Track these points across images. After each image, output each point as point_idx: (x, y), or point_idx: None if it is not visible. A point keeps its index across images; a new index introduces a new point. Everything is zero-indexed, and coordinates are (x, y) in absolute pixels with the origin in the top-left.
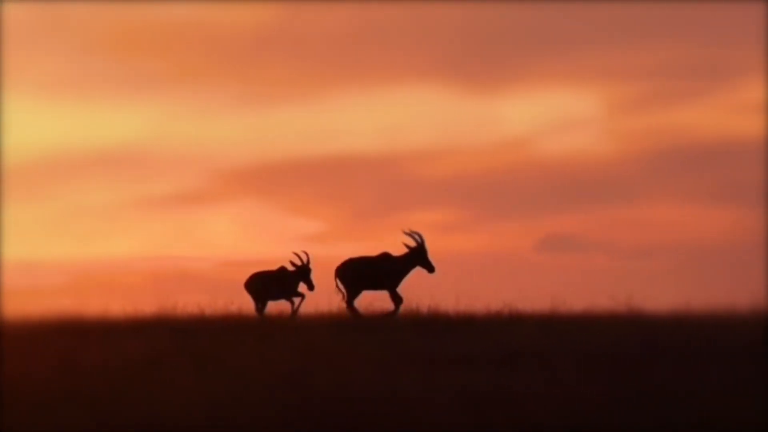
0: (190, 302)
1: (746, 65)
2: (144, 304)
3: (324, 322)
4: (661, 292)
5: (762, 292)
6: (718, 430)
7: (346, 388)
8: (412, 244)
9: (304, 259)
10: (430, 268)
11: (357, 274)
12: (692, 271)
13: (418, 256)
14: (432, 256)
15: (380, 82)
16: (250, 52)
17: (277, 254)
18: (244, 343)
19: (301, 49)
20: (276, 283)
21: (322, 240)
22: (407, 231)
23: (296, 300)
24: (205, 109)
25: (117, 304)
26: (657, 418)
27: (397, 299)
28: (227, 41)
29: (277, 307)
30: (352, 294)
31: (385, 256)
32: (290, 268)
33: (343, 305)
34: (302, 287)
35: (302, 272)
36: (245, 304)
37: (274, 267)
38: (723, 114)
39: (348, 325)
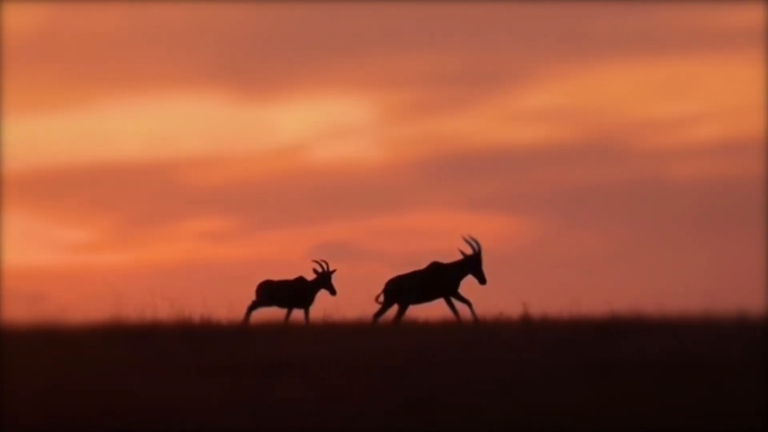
0: None
1: (519, 72)
2: None
3: (97, 332)
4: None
5: (534, 299)
6: None
7: (118, 396)
8: (468, 251)
9: (325, 267)
10: (482, 280)
11: (399, 291)
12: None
13: (472, 265)
14: (204, 265)
15: (152, 88)
16: (18, 57)
17: (46, 263)
18: (14, 352)
19: (70, 54)
20: (292, 292)
21: (93, 249)
22: (466, 237)
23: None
24: None
25: None
26: (425, 426)
27: (464, 301)
28: None
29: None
30: (386, 308)
31: (435, 266)
32: (309, 278)
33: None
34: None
35: (323, 279)
36: (13, 313)
37: (291, 276)
38: (496, 122)
39: (121, 333)
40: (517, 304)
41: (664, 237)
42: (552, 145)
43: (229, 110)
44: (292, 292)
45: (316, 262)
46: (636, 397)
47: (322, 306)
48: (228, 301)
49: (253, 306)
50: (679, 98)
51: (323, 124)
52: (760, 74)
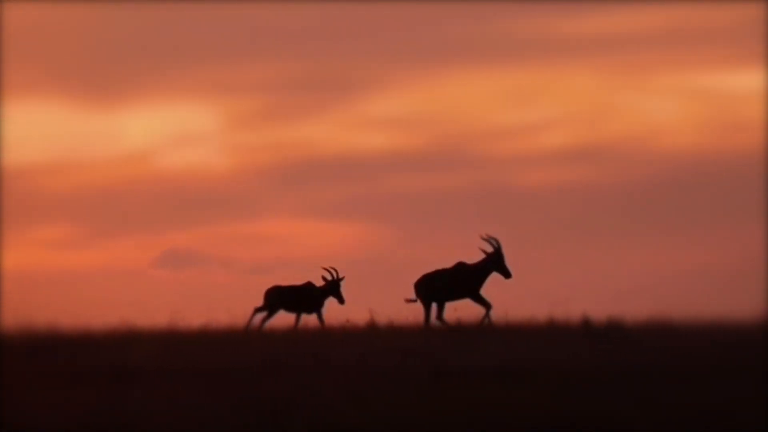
0: None
1: (367, 79)
2: None
3: None
4: None
5: (381, 307)
6: None
7: None
8: (490, 249)
9: (334, 274)
10: (507, 274)
11: (431, 288)
12: None
13: (494, 262)
14: (50, 272)
15: None
16: None
17: None
18: None
19: None
20: (299, 297)
21: None
22: (484, 236)
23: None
24: None
25: None
26: (276, 428)
27: (485, 304)
28: None
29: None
30: (428, 307)
31: (461, 267)
32: (318, 284)
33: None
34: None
35: (332, 287)
36: None
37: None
38: (343, 128)
39: None
40: (364, 311)
41: (511, 244)
42: (400, 151)
43: (75, 117)
44: (301, 298)
45: (326, 269)
46: (482, 402)
47: (166, 313)
48: (72, 309)
49: (259, 310)
50: (526, 106)
51: (169, 131)
52: (605, 82)
